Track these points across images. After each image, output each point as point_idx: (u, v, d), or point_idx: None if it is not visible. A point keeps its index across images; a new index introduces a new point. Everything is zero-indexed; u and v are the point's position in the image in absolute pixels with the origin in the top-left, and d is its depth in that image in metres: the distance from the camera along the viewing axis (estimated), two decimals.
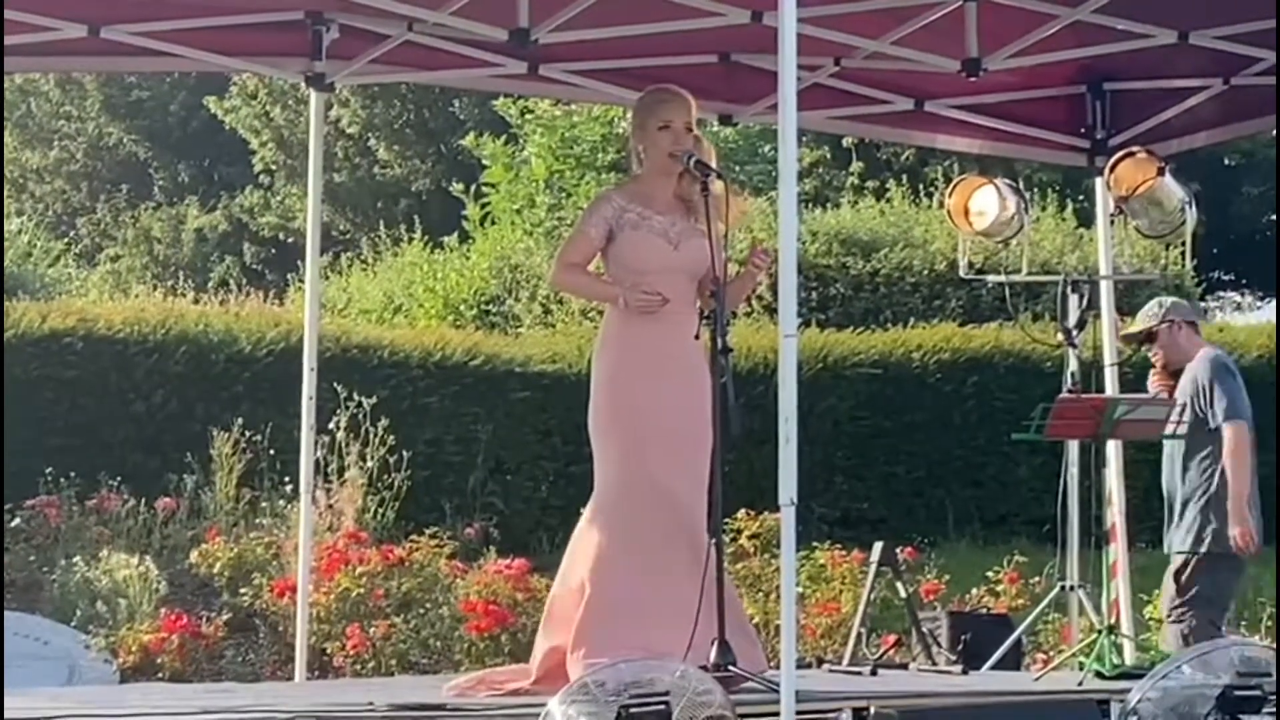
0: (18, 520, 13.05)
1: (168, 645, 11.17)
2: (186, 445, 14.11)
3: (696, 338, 7.12)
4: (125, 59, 9.62)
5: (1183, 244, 9.50)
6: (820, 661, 9.96)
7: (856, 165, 24.03)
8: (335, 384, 13.14)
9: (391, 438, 13.85)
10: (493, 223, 23.14)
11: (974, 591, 12.45)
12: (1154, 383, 9.68)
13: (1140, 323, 9.69)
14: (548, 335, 18.18)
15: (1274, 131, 20.34)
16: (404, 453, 13.92)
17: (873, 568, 9.94)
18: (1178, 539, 9.42)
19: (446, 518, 14.55)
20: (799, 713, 6.03)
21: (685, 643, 6.88)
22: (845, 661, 9.32)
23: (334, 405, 13.32)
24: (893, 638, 10.06)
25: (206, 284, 27.36)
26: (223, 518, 13.74)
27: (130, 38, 8.89)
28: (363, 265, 24.05)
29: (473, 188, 23.79)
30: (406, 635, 11.31)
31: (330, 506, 13.31)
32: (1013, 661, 9.67)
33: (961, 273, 10.03)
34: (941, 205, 12.76)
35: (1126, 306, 12.45)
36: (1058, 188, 21.86)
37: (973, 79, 9.40)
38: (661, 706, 5.87)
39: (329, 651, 11.27)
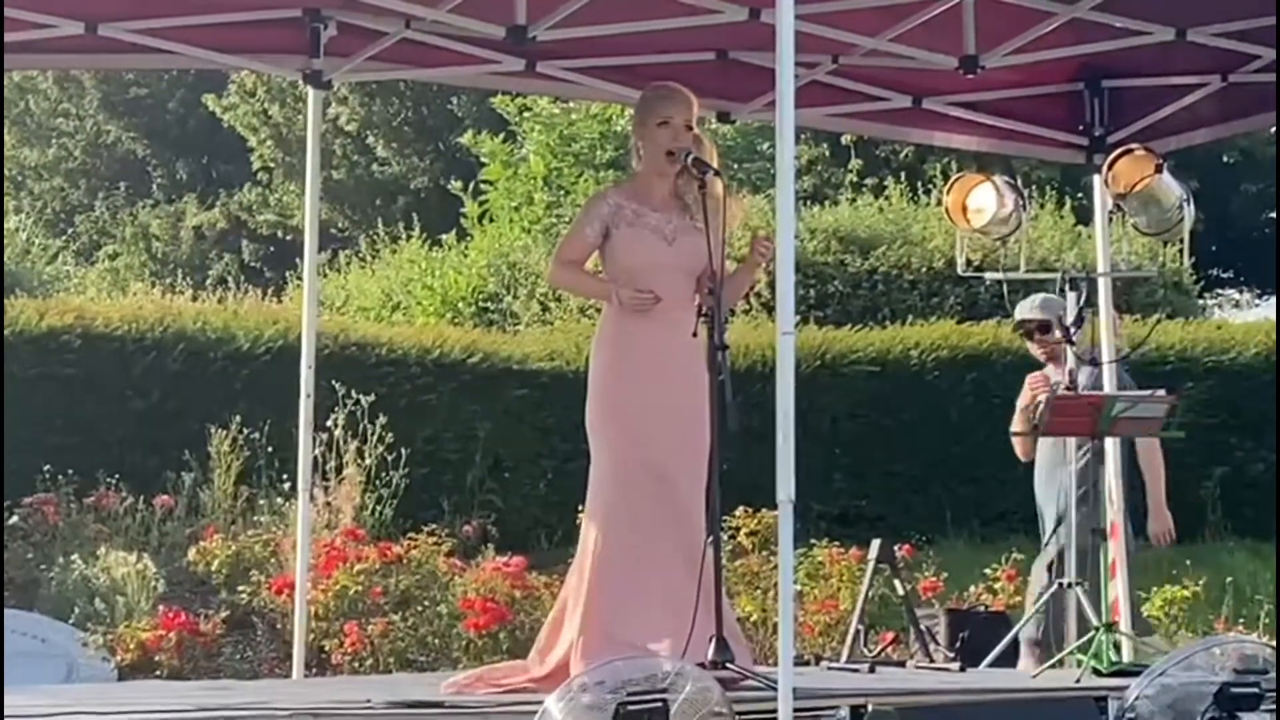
0: (15, 518, 13.05)
1: (166, 643, 11.16)
2: (184, 443, 14.11)
3: (694, 335, 7.12)
4: (123, 56, 9.61)
5: (1181, 241, 9.47)
6: (818, 659, 9.95)
7: (855, 163, 24.05)
8: (333, 382, 13.13)
9: (390, 435, 13.85)
10: (491, 220, 23.15)
11: (972, 589, 12.46)
12: (1036, 382, 9.86)
13: (1036, 312, 9.85)
14: (546, 333, 18.18)
15: (1272, 129, 20.40)
16: (402, 450, 13.92)
17: (870, 565, 9.93)
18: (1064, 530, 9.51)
19: (445, 515, 14.56)
20: (797, 710, 6.02)
21: (681, 640, 6.88)
22: (843, 659, 9.31)
23: (332, 403, 13.31)
24: (890, 635, 10.05)
25: (205, 281, 27.38)
26: (221, 515, 13.74)
27: (128, 35, 8.88)
28: (361, 263, 24.06)
29: (471, 185, 23.80)
30: (405, 633, 11.30)
31: (328, 504, 13.31)
32: (1010, 659, 9.67)
33: (959, 270, 10.00)
34: (939, 203, 12.73)
35: (1125, 304, 12.46)
36: (1056, 185, 21.88)
37: (971, 76, 9.39)
38: (659, 704, 5.87)
39: (327, 649, 11.26)
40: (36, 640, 11.12)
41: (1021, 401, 9.95)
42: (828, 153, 24.96)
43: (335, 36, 9.07)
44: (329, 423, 13.27)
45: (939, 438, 16.43)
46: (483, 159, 24.04)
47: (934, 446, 16.41)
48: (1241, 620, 12.53)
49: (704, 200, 7.32)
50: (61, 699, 7.50)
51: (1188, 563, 12.91)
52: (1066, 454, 9.63)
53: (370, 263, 23.78)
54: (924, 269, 19.30)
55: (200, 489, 13.91)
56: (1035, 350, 10.07)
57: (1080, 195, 19.99)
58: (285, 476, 13.30)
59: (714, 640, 6.87)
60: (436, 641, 11.36)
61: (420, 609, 11.48)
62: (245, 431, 13.98)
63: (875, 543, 9.95)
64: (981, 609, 11.58)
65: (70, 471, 13.37)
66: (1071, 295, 8.99)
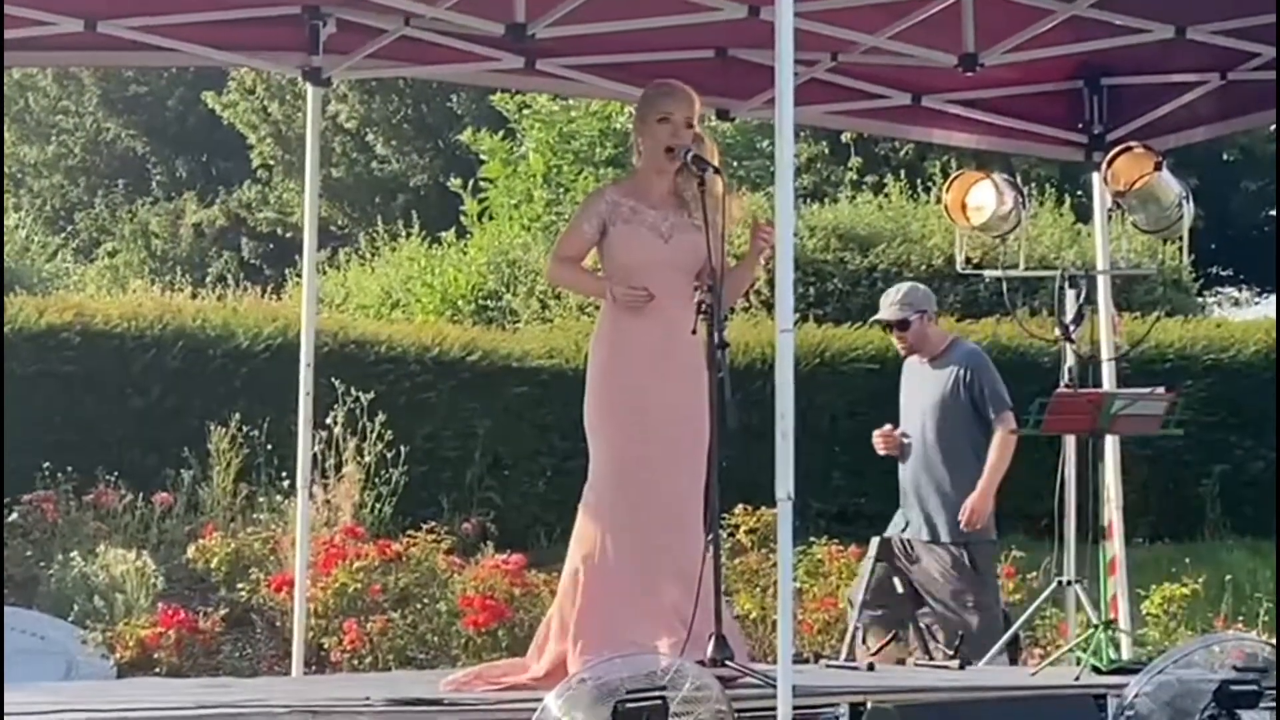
0: (15, 515, 13.05)
1: (165, 640, 11.16)
2: (184, 440, 14.11)
3: (694, 333, 7.11)
4: (122, 54, 9.62)
5: (1180, 239, 9.47)
6: (817, 657, 9.94)
7: (854, 160, 24.05)
8: (333, 379, 13.13)
9: (389, 433, 13.85)
10: (490, 218, 23.14)
11: None
12: (879, 441, 10.07)
13: (893, 311, 9.94)
14: (545, 330, 18.18)
15: (1272, 127, 20.39)
16: (401, 448, 13.92)
17: (870, 563, 9.92)
18: (953, 525, 9.66)
19: (444, 513, 14.56)
20: (796, 708, 6.02)
21: (680, 637, 6.88)
22: (842, 657, 9.31)
23: (331, 400, 13.31)
24: (890, 633, 10.05)
25: (204, 279, 27.39)
26: (220, 513, 13.74)
27: (127, 32, 8.88)
28: (360, 260, 24.06)
29: (470, 183, 23.80)
30: (404, 630, 11.30)
31: (327, 501, 13.30)
32: (1010, 656, 9.67)
33: (959, 268, 10.00)
34: (939, 200, 12.73)
35: (1124, 302, 12.45)
36: (1055, 183, 21.88)
37: (970, 74, 9.39)
38: (658, 702, 5.87)
39: (326, 646, 11.26)
40: (36, 637, 11.13)
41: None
42: (827, 150, 24.95)
43: (335, 34, 9.08)
44: (328, 420, 13.27)
45: None
46: (482, 156, 24.04)
47: None
48: (1241, 618, 12.53)
49: (703, 198, 7.31)
50: (61, 696, 7.49)
51: (1187, 560, 12.92)
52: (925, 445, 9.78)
53: (370, 260, 23.78)
54: (923, 267, 19.30)
55: (199, 486, 13.91)
56: (896, 344, 10.16)
57: (1079, 193, 20.01)
58: (284, 474, 13.30)
59: (713, 638, 6.86)
60: (435, 639, 11.36)
61: (419, 606, 11.48)
62: (244, 429, 13.98)
63: (874, 540, 9.95)
64: None
65: (69, 469, 13.37)
66: (1071, 292, 8.99)
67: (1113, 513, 9.67)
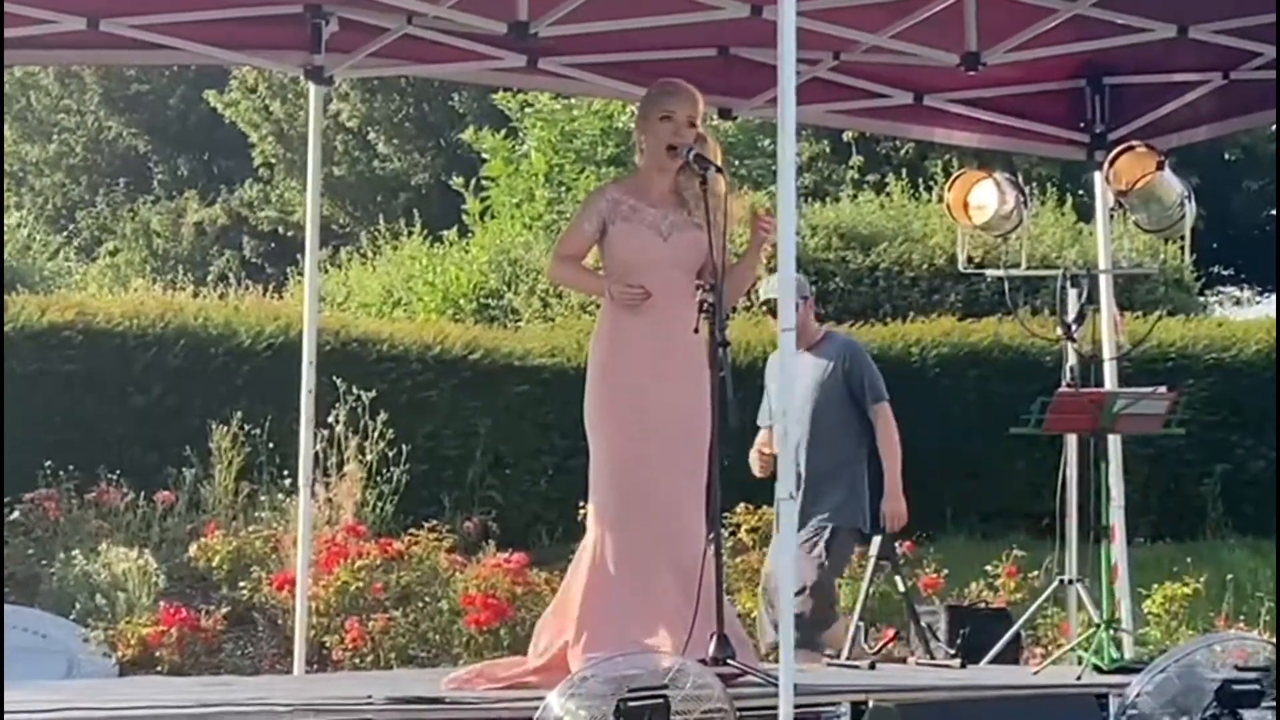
0: (16, 514, 13.05)
1: (166, 639, 11.16)
2: (185, 439, 14.10)
3: (695, 332, 7.10)
4: (124, 52, 9.63)
5: (1182, 238, 9.48)
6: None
7: (856, 159, 24.04)
8: (334, 378, 13.13)
9: (390, 431, 13.84)
10: (492, 217, 23.14)
11: (972, 586, 12.46)
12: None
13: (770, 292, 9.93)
14: (547, 329, 18.18)
15: (1274, 126, 20.39)
16: (403, 446, 13.91)
17: (871, 561, 9.93)
18: (817, 512, 9.71)
19: (445, 511, 14.55)
20: (797, 706, 6.02)
21: (682, 636, 6.88)
22: (844, 655, 9.31)
23: (333, 399, 13.31)
24: (891, 631, 10.06)
25: (206, 278, 27.39)
26: (222, 511, 13.73)
27: (129, 31, 8.88)
28: (362, 259, 24.06)
29: (472, 182, 23.79)
30: (405, 629, 11.30)
31: (329, 500, 13.30)
32: (1011, 656, 9.68)
33: (961, 267, 10.01)
34: (941, 199, 12.74)
35: (1126, 301, 12.45)
36: (1057, 182, 21.88)
37: (972, 73, 9.39)
38: (660, 700, 5.87)
39: (328, 645, 11.27)
40: (37, 636, 11.13)
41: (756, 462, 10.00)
42: (829, 149, 24.94)
43: (337, 32, 9.08)
44: (330, 419, 13.27)
45: (940, 434, 16.39)
46: (484, 155, 24.04)
47: (935, 443, 16.35)
48: (1242, 617, 12.53)
49: (705, 197, 7.32)
50: (62, 695, 7.49)
51: (1188, 560, 12.92)
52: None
53: (371, 259, 23.77)
54: (925, 266, 19.30)
55: (201, 485, 13.90)
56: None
57: (1081, 192, 20.01)
58: (286, 472, 13.30)
59: (715, 637, 6.87)
60: (437, 637, 11.36)
61: (421, 605, 11.48)
62: (246, 427, 13.97)
63: (876, 539, 9.95)
64: (982, 605, 11.58)
65: (71, 467, 13.37)
66: (1073, 292, 8.99)
67: (1115, 515, 9.65)
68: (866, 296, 19.19)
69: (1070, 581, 8.94)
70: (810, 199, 22.30)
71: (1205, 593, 12.19)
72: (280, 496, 13.41)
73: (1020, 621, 9.73)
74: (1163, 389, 9.21)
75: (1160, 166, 8.83)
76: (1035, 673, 8.52)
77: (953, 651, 9.10)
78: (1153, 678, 6.73)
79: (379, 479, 13.86)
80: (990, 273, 10.34)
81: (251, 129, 29.31)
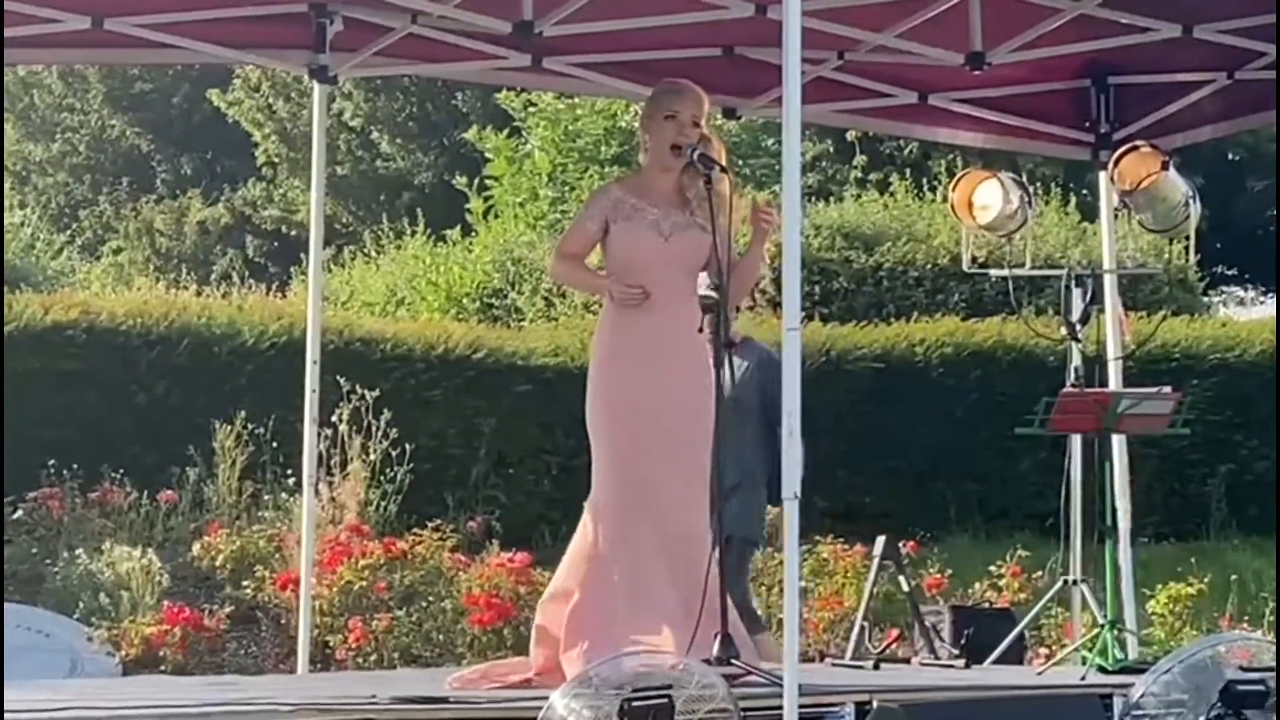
0: (20, 512, 13.05)
1: (170, 638, 11.16)
2: (189, 438, 14.10)
3: (700, 331, 7.10)
4: (128, 51, 9.63)
5: (1186, 238, 9.48)
6: (823, 655, 9.95)
7: (860, 159, 24.03)
8: (338, 377, 13.12)
9: (394, 430, 13.84)
10: (495, 216, 23.14)
11: (976, 586, 12.45)
12: None
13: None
14: (550, 328, 18.17)
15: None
16: (406, 446, 13.91)
17: (875, 562, 9.91)
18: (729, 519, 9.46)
19: (449, 511, 14.54)
20: (802, 706, 6.02)
21: (686, 636, 6.87)
22: (848, 655, 9.31)
23: (336, 398, 13.30)
24: (895, 632, 10.05)
25: (209, 277, 27.36)
26: (225, 510, 13.73)
27: (133, 29, 8.88)
28: (365, 258, 24.05)
29: (476, 181, 23.79)
30: (409, 628, 11.31)
31: (333, 499, 13.30)
32: (1015, 656, 9.67)
33: (965, 267, 9.99)
34: (945, 199, 12.74)
35: (1130, 301, 12.44)
36: (1061, 182, 21.85)
37: (977, 72, 9.40)
38: (664, 700, 5.86)
39: (331, 644, 11.27)
40: (40, 635, 11.14)
41: None
42: (832, 149, 24.93)
43: (341, 31, 9.09)
44: (333, 418, 13.26)
45: (944, 434, 16.41)
46: (487, 155, 24.04)
47: (939, 443, 16.40)
48: (1246, 617, 12.52)
49: (709, 197, 7.30)
50: (65, 694, 7.49)
51: (1193, 560, 12.92)
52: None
53: (375, 258, 23.77)
54: (929, 265, 19.28)
55: (205, 484, 13.90)
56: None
57: (1086, 192, 19.98)
58: (290, 472, 13.30)
59: (719, 636, 6.86)
60: (441, 637, 11.36)
61: (424, 605, 11.49)
62: (250, 427, 13.97)
63: (880, 539, 9.94)
64: (986, 605, 11.57)
65: (74, 466, 13.37)
66: (1077, 292, 8.99)
67: (1120, 517, 9.65)
68: (870, 296, 19.17)
69: (1074, 582, 8.94)
70: (814, 198, 22.30)
71: (1209, 593, 12.18)
72: (284, 496, 13.41)
73: (1024, 622, 9.73)
74: (1167, 389, 9.21)
75: (1165, 166, 8.83)
76: (1039, 673, 8.52)
77: (957, 652, 9.09)
78: (1157, 678, 6.72)
79: (382, 478, 13.85)
80: (994, 273, 10.34)
81: (255, 128, 29.30)
